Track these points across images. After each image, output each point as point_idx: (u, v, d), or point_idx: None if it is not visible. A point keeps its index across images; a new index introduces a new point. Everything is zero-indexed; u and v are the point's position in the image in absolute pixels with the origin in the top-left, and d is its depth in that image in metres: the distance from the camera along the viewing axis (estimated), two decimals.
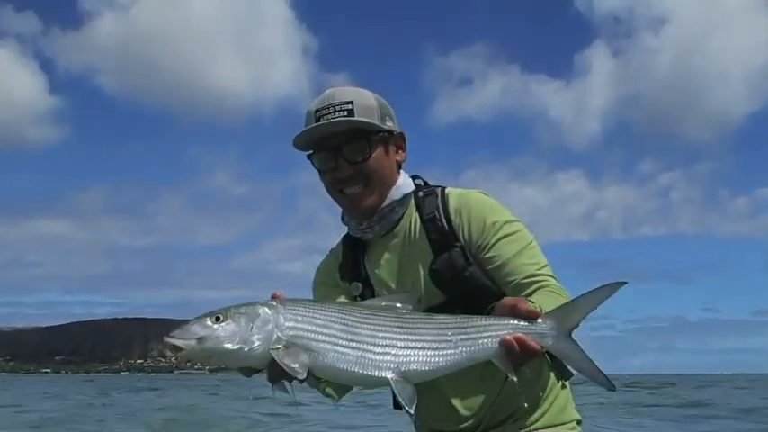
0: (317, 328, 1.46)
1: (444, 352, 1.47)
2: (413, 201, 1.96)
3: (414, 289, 1.80)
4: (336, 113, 1.83)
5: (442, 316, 1.55)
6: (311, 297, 2.09)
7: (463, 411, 1.91)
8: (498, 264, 1.80)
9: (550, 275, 1.80)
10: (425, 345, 1.47)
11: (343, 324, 1.48)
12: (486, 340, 1.45)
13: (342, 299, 1.98)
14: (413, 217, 1.94)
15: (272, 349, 1.42)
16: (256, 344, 1.41)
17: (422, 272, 1.88)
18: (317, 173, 1.95)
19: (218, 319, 1.41)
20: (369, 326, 1.48)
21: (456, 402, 1.91)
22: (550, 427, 1.89)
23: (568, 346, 1.45)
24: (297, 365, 1.40)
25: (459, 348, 1.47)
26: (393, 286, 1.93)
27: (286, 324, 1.45)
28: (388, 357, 1.46)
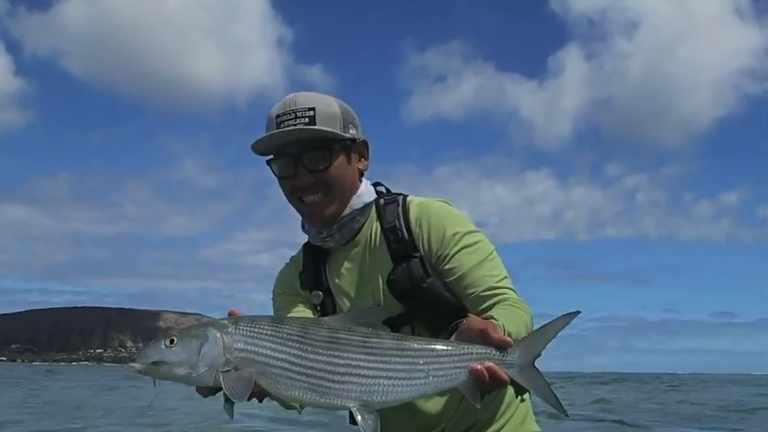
0: (270, 352, 1.37)
1: (414, 381, 1.40)
2: (374, 209, 1.94)
3: (380, 306, 1.76)
4: (297, 120, 1.80)
5: (412, 341, 1.45)
6: (272, 303, 2.06)
7: (424, 423, 1.91)
8: (458, 275, 1.79)
9: (509, 288, 1.79)
10: (394, 373, 1.39)
11: (300, 347, 1.38)
12: (459, 370, 1.40)
13: (302, 308, 1.95)
14: (374, 226, 1.92)
15: (222, 372, 1.36)
16: (203, 369, 1.36)
17: (381, 281, 1.86)
18: (276, 179, 1.92)
19: (171, 341, 1.38)
20: (328, 350, 1.39)
21: (417, 414, 1.90)
22: None
23: (533, 376, 1.43)
24: (237, 389, 1.34)
25: (431, 378, 1.40)
26: (353, 296, 1.92)
27: (235, 346, 1.37)
28: (350, 386, 1.37)
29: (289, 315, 1.92)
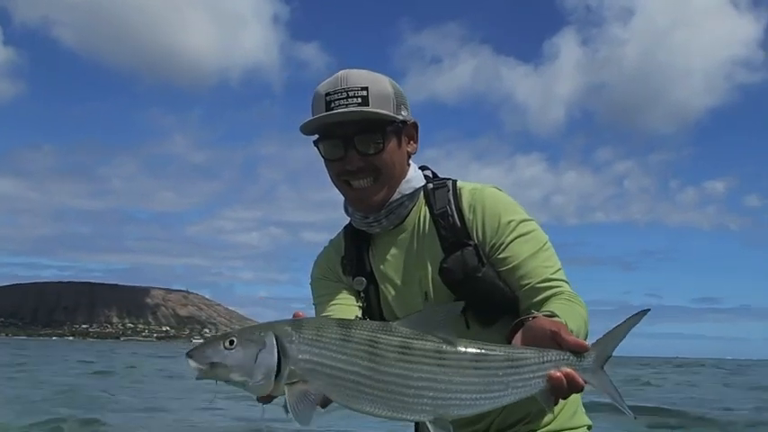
0: (338, 363, 1.25)
1: (492, 394, 1.30)
2: (422, 194, 1.87)
3: (456, 303, 1.53)
4: (350, 99, 1.70)
5: (490, 350, 1.33)
6: (311, 289, 1.98)
7: (475, 415, 1.68)
8: (512, 265, 1.73)
9: (564, 280, 1.74)
10: (471, 387, 1.29)
11: (371, 359, 1.26)
12: (538, 380, 1.31)
13: (344, 295, 1.89)
14: (422, 211, 1.85)
15: (287, 384, 1.26)
16: (259, 377, 1.25)
17: (430, 269, 1.80)
18: (323, 160, 1.82)
19: (231, 343, 1.27)
20: (401, 361, 1.27)
21: None
22: (563, 431, 1.83)
23: (604, 380, 1.37)
24: (300, 413, 1.24)
25: (510, 389, 1.31)
26: (399, 283, 1.86)
27: (300, 357, 1.26)
28: (424, 400, 1.27)
29: (333, 303, 1.87)
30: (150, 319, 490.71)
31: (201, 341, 1.37)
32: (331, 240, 2.03)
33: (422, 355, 1.29)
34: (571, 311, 1.58)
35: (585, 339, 1.54)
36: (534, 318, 1.47)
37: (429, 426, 1.28)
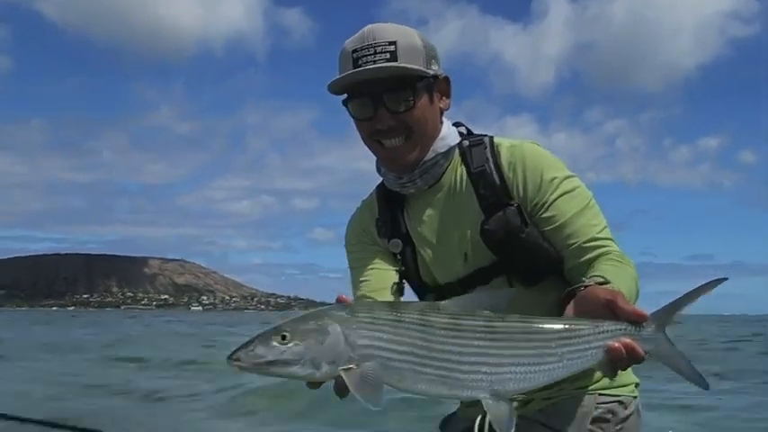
0: (393, 345, 1.25)
1: (546, 366, 1.28)
2: (457, 152, 1.79)
3: (509, 290, 1.55)
4: (377, 55, 1.64)
5: (539, 321, 1.31)
6: (346, 253, 1.93)
7: None
8: (557, 224, 1.67)
9: (611, 239, 1.68)
10: (524, 360, 1.27)
11: (423, 337, 1.26)
12: (594, 351, 1.28)
13: (381, 259, 1.84)
14: (458, 170, 1.78)
15: (342, 370, 1.23)
16: (326, 368, 1.23)
17: (469, 230, 1.75)
18: (352, 120, 1.76)
19: (284, 337, 1.23)
20: (453, 339, 1.26)
21: None
22: (610, 388, 1.75)
23: (668, 350, 1.32)
24: (372, 397, 1.21)
25: (564, 361, 1.28)
26: (436, 244, 1.80)
27: (359, 342, 1.24)
28: (479, 375, 1.26)
29: (370, 267, 1.83)
30: (149, 288, 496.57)
31: (248, 341, 1.25)
32: (363, 201, 1.97)
33: (472, 330, 1.27)
34: (622, 274, 1.53)
35: (636, 302, 1.51)
36: (587, 287, 1.41)
37: (485, 405, 1.26)
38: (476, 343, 1.27)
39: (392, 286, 1.82)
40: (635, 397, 1.81)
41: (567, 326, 1.30)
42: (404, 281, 1.85)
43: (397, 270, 1.84)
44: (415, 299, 1.90)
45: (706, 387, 1.35)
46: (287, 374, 1.24)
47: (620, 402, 1.76)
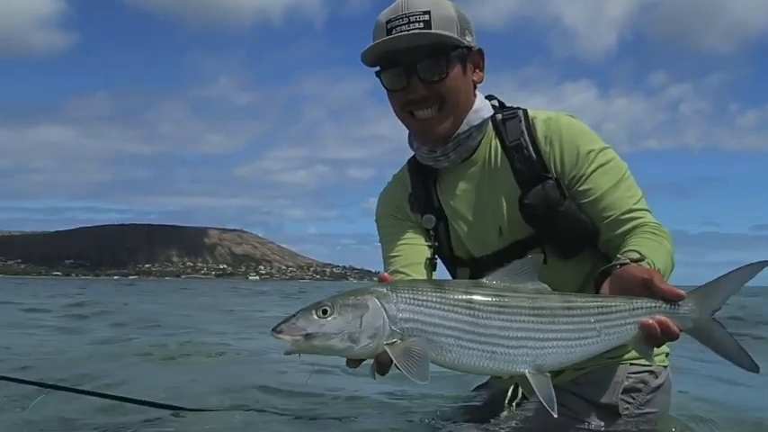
0: (438, 320, 1.27)
1: (585, 341, 1.32)
2: (491, 125, 1.78)
3: (534, 257, 1.49)
4: (411, 24, 1.63)
5: (578, 298, 1.35)
6: (377, 228, 1.94)
7: None
8: (594, 197, 1.67)
9: (646, 209, 1.69)
10: (565, 335, 1.32)
11: (470, 314, 1.28)
12: (630, 326, 1.32)
13: (414, 234, 1.84)
14: (492, 143, 1.77)
15: (387, 344, 1.25)
16: (366, 341, 1.25)
17: (504, 204, 1.74)
18: (386, 91, 1.75)
19: (324, 312, 1.25)
20: (499, 315, 1.29)
21: None
22: (641, 358, 1.64)
23: (712, 330, 1.34)
24: (419, 371, 1.22)
25: (602, 336, 1.33)
26: (471, 219, 1.80)
27: (400, 316, 1.26)
28: (524, 350, 1.30)
29: (401, 242, 1.84)
30: (208, 258, 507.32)
31: (291, 315, 1.29)
32: (394, 176, 1.96)
33: (517, 306, 1.30)
34: (657, 247, 1.55)
35: (671, 272, 1.55)
36: (623, 265, 1.43)
37: (529, 378, 1.29)
38: (521, 319, 1.31)
39: (425, 261, 1.81)
40: (665, 366, 1.82)
41: (604, 302, 1.34)
42: (436, 256, 1.84)
43: (429, 245, 1.83)
44: (447, 274, 1.89)
45: (755, 370, 1.35)
46: (326, 347, 1.26)
47: (651, 372, 1.77)
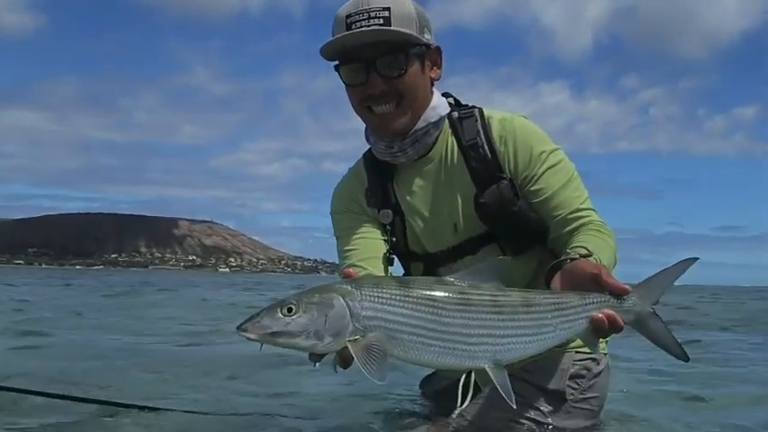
0: (402, 318, 1.29)
1: (543, 336, 1.37)
2: (447, 123, 1.81)
3: (504, 259, 1.55)
4: (371, 20, 1.65)
5: (537, 295, 1.39)
6: (333, 222, 1.94)
7: None
8: (545, 197, 1.73)
9: (592, 209, 1.76)
10: (525, 331, 1.36)
11: (433, 311, 1.30)
12: (582, 321, 1.37)
13: (370, 228, 1.86)
14: (449, 141, 1.80)
15: (349, 341, 1.26)
16: (329, 340, 1.26)
17: (460, 201, 1.79)
18: (344, 86, 1.77)
19: (289, 310, 1.26)
20: (461, 314, 1.31)
21: None
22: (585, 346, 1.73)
23: (651, 322, 1.41)
24: (376, 369, 1.24)
25: (557, 331, 1.37)
26: (427, 215, 1.83)
27: (364, 314, 1.27)
28: (485, 347, 1.33)
29: (357, 236, 1.85)
30: (177, 249, 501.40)
31: (257, 313, 1.29)
32: (350, 169, 1.98)
33: (479, 304, 1.33)
34: (603, 244, 1.62)
35: (614, 267, 1.62)
36: (573, 260, 1.48)
37: (490, 373, 1.32)
38: (482, 317, 1.33)
39: (382, 256, 1.83)
40: (605, 353, 1.92)
41: (560, 299, 1.39)
42: (392, 251, 1.86)
43: (385, 240, 1.85)
44: (401, 269, 1.93)
45: (686, 359, 1.44)
46: (291, 345, 1.27)
47: (594, 359, 1.86)
